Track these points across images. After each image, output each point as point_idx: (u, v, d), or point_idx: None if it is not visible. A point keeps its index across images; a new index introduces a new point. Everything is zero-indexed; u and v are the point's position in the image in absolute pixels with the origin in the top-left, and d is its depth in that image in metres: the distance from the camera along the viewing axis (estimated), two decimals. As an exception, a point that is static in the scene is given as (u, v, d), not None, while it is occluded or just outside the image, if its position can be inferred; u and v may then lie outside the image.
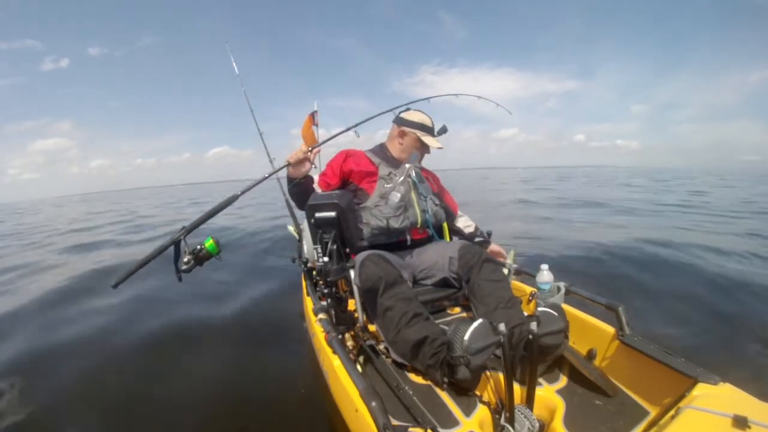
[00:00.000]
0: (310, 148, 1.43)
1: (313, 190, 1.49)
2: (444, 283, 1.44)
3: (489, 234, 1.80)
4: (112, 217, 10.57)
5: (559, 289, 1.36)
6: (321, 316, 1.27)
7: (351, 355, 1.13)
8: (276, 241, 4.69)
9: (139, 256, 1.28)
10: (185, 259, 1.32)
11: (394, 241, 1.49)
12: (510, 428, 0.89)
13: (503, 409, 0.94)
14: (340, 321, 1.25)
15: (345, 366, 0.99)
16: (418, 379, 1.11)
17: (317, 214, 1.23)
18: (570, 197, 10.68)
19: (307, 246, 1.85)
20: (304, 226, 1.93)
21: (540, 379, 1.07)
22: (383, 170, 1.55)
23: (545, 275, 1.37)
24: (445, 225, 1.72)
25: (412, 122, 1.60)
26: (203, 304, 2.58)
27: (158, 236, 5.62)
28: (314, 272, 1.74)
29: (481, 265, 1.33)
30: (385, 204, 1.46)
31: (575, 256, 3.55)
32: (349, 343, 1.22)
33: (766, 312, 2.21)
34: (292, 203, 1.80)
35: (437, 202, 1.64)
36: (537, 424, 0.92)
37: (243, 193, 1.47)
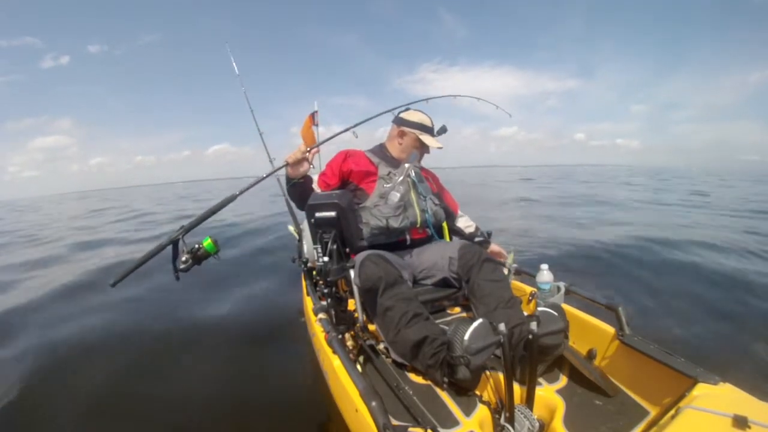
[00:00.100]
0: (308, 149, 1.43)
1: (312, 190, 1.49)
2: (444, 283, 1.44)
3: (489, 234, 1.80)
4: (115, 215, 10.57)
5: (559, 289, 1.36)
6: (321, 316, 1.27)
7: (351, 355, 1.13)
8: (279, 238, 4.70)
9: (139, 254, 1.28)
10: (183, 258, 1.32)
11: (394, 241, 1.49)
12: (510, 428, 0.89)
13: (503, 409, 0.94)
14: (340, 321, 1.25)
15: (345, 366, 0.99)
16: (418, 379, 1.11)
17: (317, 214, 1.23)
18: (571, 195, 10.72)
19: (307, 246, 1.85)
20: (304, 225, 1.93)
21: (540, 379, 1.07)
22: (383, 170, 1.55)
23: (545, 275, 1.37)
24: (444, 225, 1.72)
25: (411, 122, 1.60)
26: (203, 303, 2.58)
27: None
28: (314, 272, 1.74)
29: (481, 264, 1.33)
30: (384, 204, 1.46)
31: (577, 254, 3.59)
32: (349, 343, 1.21)
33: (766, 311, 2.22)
34: (292, 203, 1.80)
35: (437, 201, 1.64)
36: (537, 424, 0.92)
37: (242, 192, 1.47)
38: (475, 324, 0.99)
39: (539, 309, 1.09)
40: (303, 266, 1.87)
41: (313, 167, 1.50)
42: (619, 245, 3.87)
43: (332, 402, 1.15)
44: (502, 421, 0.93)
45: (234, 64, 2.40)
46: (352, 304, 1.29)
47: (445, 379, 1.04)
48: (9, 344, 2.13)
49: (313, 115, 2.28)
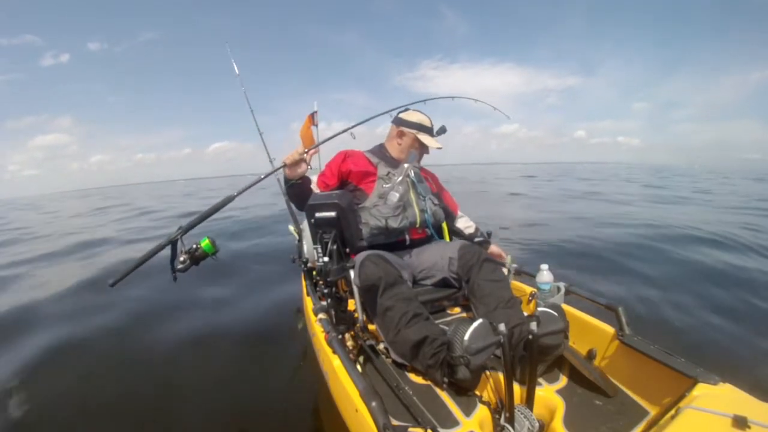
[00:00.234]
0: (306, 150, 1.43)
1: (310, 191, 1.50)
2: (444, 283, 1.44)
3: (489, 234, 1.80)
4: (119, 213, 10.57)
5: (559, 289, 1.36)
6: (321, 316, 1.27)
7: (351, 355, 1.13)
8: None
9: (139, 253, 1.28)
10: (181, 259, 1.33)
11: (393, 241, 1.49)
12: (510, 428, 0.89)
13: (503, 409, 0.94)
14: (340, 321, 1.25)
15: (345, 366, 0.99)
16: (418, 379, 1.10)
17: (317, 214, 1.23)
18: (574, 191, 10.74)
19: (307, 246, 1.85)
20: (304, 226, 1.93)
21: (540, 379, 1.07)
22: (382, 170, 1.55)
23: (545, 275, 1.37)
24: (444, 225, 1.72)
25: (410, 122, 1.61)
26: (202, 302, 2.59)
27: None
28: (314, 272, 1.74)
29: (481, 265, 1.33)
30: (383, 204, 1.46)
31: (581, 250, 3.62)
32: (349, 343, 1.21)
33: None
34: (292, 204, 1.80)
35: (436, 201, 1.64)
36: (537, 424, 0.92)
37: (239, 194, 1.47)
38: (475, 324, 0.99)
39: (539, 309, 1.09)
40: (303, 266, 1.87)
41: (311, 168, 1.50)
42: (622, 242, 3.90)
43: (332, 402, 1.15)
44: (502, 421, 0.93)
45: (234, 64, 2.41)
46: (352, 304, 1.29)
47: (445, 379, 1.04)
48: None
49: (312, 116, 2.28)
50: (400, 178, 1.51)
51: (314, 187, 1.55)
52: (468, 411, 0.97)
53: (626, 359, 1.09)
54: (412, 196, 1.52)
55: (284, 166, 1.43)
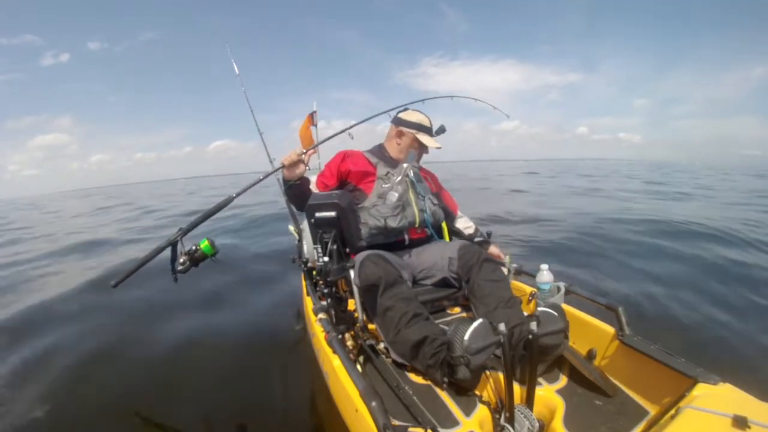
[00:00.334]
0: (304, 151, 1.43)
1: (309, 191, 1.50)
2: (444, 283, 1.44)
3: (489, 234, 1.80)
4: (122, 212, 10.56)
5: (559, 289, 1.36)
6: (321, 316, 1.27)
7: (351, 355, 1.13)
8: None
9: (143, 253, 1.29)
10: (181, 260, 1.33)
11: (393, 241, 1.49)
12: (510, 428, 0.89)
13: (503, 409, 0.94)
14: (340, 321, 1.25)
15: (345, 366, 0.99)
16: (418, 379, 1.11)
17: (317, 214, 1.23)
18: (577, 188, 10.75)
19: (307, 246, 1.85)
20: (304, 225, 1.93)
21: (540, 379, 1.07)
22: (381, 170, 1.55)
23: (545, 275, 1.37)
24: (444, 225, 1.72)
25: (409, 122, 1.61)
26: (202, 302, 2.58)
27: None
28: (314, 272, 1.74)
29: (481, 264, 1.33)
30: (382, 204, 1.46)
31: (584, 248, 3.64)
32: (349, 343, 1.21)
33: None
34: (292, 205, 1.80)
35: (435, 201, 1.64)
36: (537, 424, 0.92)
37: (238, 195, 1.48)
38: (475, 324, 0.99)
39: (539, 309, 1.09)
40: (303, 266, 1.87)
41: (309, 169, 1.50)
42: (624, 239, 3.93)
43: (332, 402, 1.15)
44: (502, 421, 0.93)
45: (234, 64, 2.41)
46: (352, 304, 1.29)
47: (445, 379, 1.04)
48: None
49: (311, 116, 2.28)
50: (399, 178, 1.51)
51: (313, 187, 1.55)
52: (468, 411, 0.97)
53: (626, 359, 1.09)
54: (411, 195, 1.52)
55: (282, 167, 1.43)
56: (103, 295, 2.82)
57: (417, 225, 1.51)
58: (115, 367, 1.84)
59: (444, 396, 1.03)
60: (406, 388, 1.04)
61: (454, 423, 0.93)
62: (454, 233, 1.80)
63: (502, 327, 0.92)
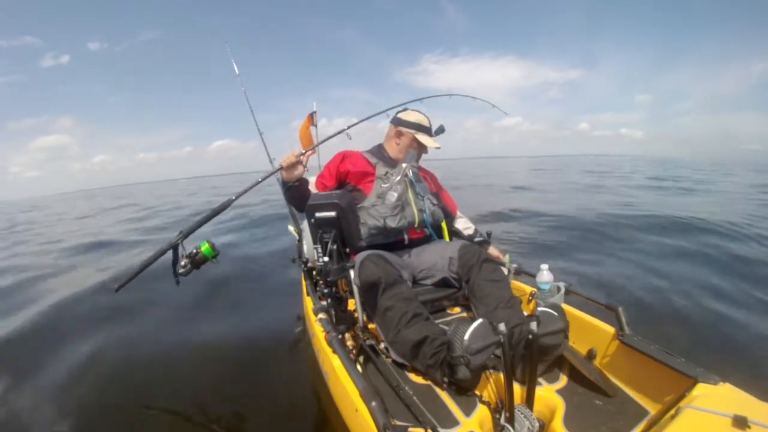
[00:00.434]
0: (302, 152, 1.44)
1: (309, 192, 1.50)
2: (444, 283, 1.44)
3: (489, 235, 1.80)
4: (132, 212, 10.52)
5: (558, 289, 1.36)
6: (321, 316, 1.27)
7: (351, 355, 1.13)
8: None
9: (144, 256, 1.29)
10: (182, 263, 1.33)
11: (392, 241, 1.49)
12: (510, 428, 0.89)
13: (503, 409, 0.94)
14: (340, 321, 1.25)
15: (345, 366, 0.99)
16: (418, 379, 1.11)
17: (317, 214, 1.23)
18: (580, 184, 10.78)
19: (307, 246, 1.85)
20: (304, 225, 1.93)
21: (540, 379, 1.07)
22: (380, 170, 1.55)
23: (545, 275, 1.37)
24: (444, 225, 1.72)
25: (408, 122, 1.61)
26: (201, 301, 2.58)
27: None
28: (314, 272, 1.74)
29: (481, 265, 1.33)
30: (382, 204, 1.46)
31: (586, 246, 3.64)
32: (349, 343, 1.21)
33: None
34: (291, 206, 1.80)
35: (435, 201, 1.64)
36: (537, 424, 0.92)
37: (237, 197, 1.48)
38: (475, 324, 0.99)
39: (539, 309, 1.09)
40: (303, 266, 1.87)
41: (308, 170, 1.50)
42: (627, 235, 3.96)
43: (332, 402, 1.15)
44: (502, 421, 0.93)
45: (234, 64, 2.41)
46: (352, 304, 1.29)
47: (445, 379, 1.04)
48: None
49: (311, 116, 2.28)
50: (398, 178, 1.51)
51: (312, 188, 1.55)
52: (468, 411, 0.97)
53: (626, 359, 1.09)
54: (411, 195, 1.52)
55: (281, 168, 1.43)
56: (109, 298, 2.80)
57: (416, 225, 1.51)
58: (115, 367, 1.84)
59: (444, 396, 1.03)
60: (406, 388, 1.04)
61: (454, 423, 0.93)
62: (454, 233, 1.80)
63: (502, 327, 0.92)
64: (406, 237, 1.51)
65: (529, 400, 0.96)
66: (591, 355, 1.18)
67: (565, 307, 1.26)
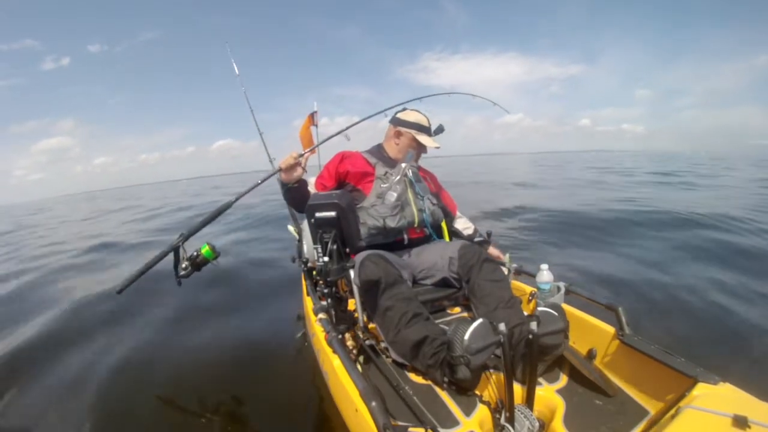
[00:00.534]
0: (301, 154, 1.44)
1: (308, 193, 1.50)
2: (444, 283, 1.44)
3: (489, 234, 1.80)
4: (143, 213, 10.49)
5: (559, 289, 1.35)
6: (321, 315, 1.27)
7: (351, 355, 1.13)
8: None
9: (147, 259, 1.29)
10: (183, 265, 1.34)
11: (392, 241, 1.49)
12: (510, 428, 0.89)
13: (503, 409, 0.94)
14: (340, 321, 1.25)
15: (345, 366, 0.99)
16: (418, 379, 1.11)
17: (317, 214, 1.23)
18: (582, 179, 10.81)
19: (307, 246, 1.85)
20: (304, 225, 1.93)
21: (540, 379, 1.07)
22: (380, 170, 1.55)
23: (545, 275, 1.37)
24: (443, 225, 1.72)
25: (408, 122, 1.61)
26: (202, 302, 2.58)
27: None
28: (314, 272, 1.74)
29: (481, 265, 1.33)
30: (381, 204, 1.46)
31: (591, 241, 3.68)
32: (349, 343, 1.22)
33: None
34: (291, 207, 1.80)
35: (434, 201, 1.64)
36: (537, 424, 0.92)
37: (237, 199, 1.48)
38: (475, 324, 0.99)
39: (539, 309, 1.10)
40: (303, 266, 1.87)
41: (306, 172, 1.50)
42: (630, 231, 3.98)
43: (332, 402, 1.15)
44: (502, 420, 0.93)
45: (234, 64, 2.41)
46: (352, 304, 1.29)
47: (446, 379, 1.04)
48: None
49: (312, 116, 2.28)
50: (398, 178, 1.51)
51: (312, 188, 1.55)
52: (468, 411, 0.97)
53: (626, 359, 1.09)
54: (410, 195, 1.52)
55: (280, 170, 1.43)
56: (114, 301, 2.79)
57: (416, 225, 1.51)
58: (114, 367, 1.84)
59: (444, 396, 1.03)
60: (407, 388, 1.04)
61: (455, 423, 0.93)
62: (453, 233, 1.80)
63: (502, 327, 0.92)
64: (405, 237, 1.51)
65: (529, 400, 0.96)
66: (591, 355, 1.18)
67: (565, 307, 1.26)
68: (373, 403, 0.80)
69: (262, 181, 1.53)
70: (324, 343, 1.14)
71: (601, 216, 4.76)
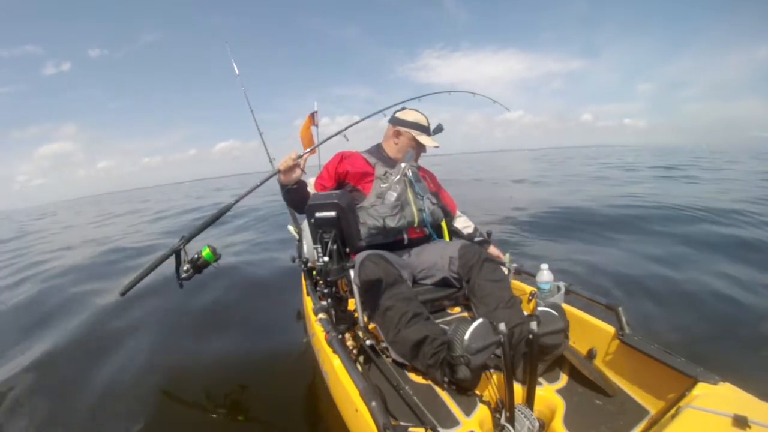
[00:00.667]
0: (300, 155, 1.44)
1: (307, 194, 1.50)
2: (444, 283, 1.44)
3: (489, 234, 1.80)
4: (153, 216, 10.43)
5: (559, 288, 1.35)
6: (321, 315, 1.27)
7: (351, 355, 1.13)
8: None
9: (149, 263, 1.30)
10: (184, 268, 1.34)
11: (392, 241, 1.49)
12: (510, 428, 0.89)
13: (503, 409, 0.94)
14: (340, 321, 1.25)
15: (345, 366, 0.99)
16: (418, 379, 1.11)
17: (317, 214, 1.23)
18: (584, 175, 10.83)
19: (307, 246, 1.85)
20: (304, 225, 1.93)
21: (540, 379, 1.07)
22: (379, 170, 1.55)
23: (545, 275, 1.37)
24: (443, 224, 1.71)
25: (406, 122, 1.61)
26: (202, 302, 2.59)
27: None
28: (314, 272, 1.74)
29: (482, 264, 1.33)
30: (381, 204, 1.46)
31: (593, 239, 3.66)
32: (349, 343, 1.21)
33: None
34: (290, 208, 1.80)
35: (434, 201, 1.64)
36: (537, 424, 0.92)
37: (237, 201, 1.48)
38: (476, 324, 0.99)
39: (539, 309, 1.10)
40: (303, 266, 1.87)
41: (305, 173, 1.50)
42: (634, 226, 3.99)
43: (332, 402, 1.15)
44: (502, 420, 0.93)
45: (234, 64, 2.41)
46: (352, 304, 1.29)
47: (446, 379, 1.04)
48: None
49: (312, 115, 2.28)
50: (398, 178, 1.51)
51: (311, 189, 1.55)
52: (468, 410, 0.97)
53: (626, 359, 1.09)
54: (410, 195, 1.52)
55: (278, 172, 1.43)
56: (119, 303, 2.78)
57: (416, 224, 1.51)
58: (114, 367, 1.84)
59: (444, 396, 1.03)
60: (407, 387, 1.04)
61: (455, 423, 0.94)
62: (453, 232, 1.80)
63: (502, 327, 0.92)
64: (405, 237, 1.51)
65: (529, 400, 0.96)
66: (591, 355, 1.18)
67: (565, 306, 1.26)
68: (373, 403, 0.80)
69: (261, 183, 1.53)
70: (324, 343, 1.14)
71: (604, 212, 4.77)
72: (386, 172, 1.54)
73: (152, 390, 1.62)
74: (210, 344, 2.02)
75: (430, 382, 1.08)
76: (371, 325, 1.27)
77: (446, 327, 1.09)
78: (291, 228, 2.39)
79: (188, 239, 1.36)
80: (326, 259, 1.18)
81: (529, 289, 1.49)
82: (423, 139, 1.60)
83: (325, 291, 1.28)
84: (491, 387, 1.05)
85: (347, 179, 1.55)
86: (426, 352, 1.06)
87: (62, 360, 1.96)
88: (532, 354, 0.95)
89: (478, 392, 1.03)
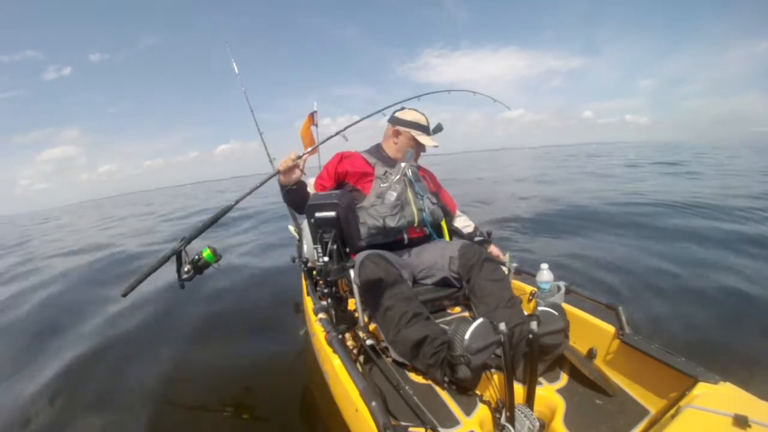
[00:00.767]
0: (299, 156, 1.44)
1: (307, 194, 1.50)
2: (444, 283, 1.44)
3: (489, 234, 1.79)
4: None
5: (559, 288, 1.35)
6: (321, 315, 1.27)
7: (351, 355, 1.13)
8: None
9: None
10: (186, 269, 1.34)
11: (392, 241, 1.49)
12: (510, 428, 0.89)
13: (503, 409, 0.94)
14: (340, 321, 1.25)
15: (345, 366, 0.99)
16: (418, 379, 1.11)
17: (317, 214, 1.23)
18: (585, 172, 10.89)
19: (307, 246, 1.85)
20: (304, 225, 1.93)
21: (540, 379, 1.07)
22: (379, 170, 1.55)
23: (545, 275, 1.36)
24: (443, 224, 1.71)
25: (406, 121, 1.60)
26: (202, 301, 2.59)
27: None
28: (314, 272, 1.74)
29: (482, 264, 1.33)
30: (381, 203, 1.46)
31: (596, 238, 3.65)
32: (349, 343, 1.22)
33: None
34: (290, 208, 1.80)
35: (434, 200, 1.64)
36: (537, 424, 0.92)
37: (237, 202, 1.48)
38: (476, 323, 0.99)
39: (539, 308, 1.09)
40: (303, 266, 1.87)
41: (305, 174, 1.50)
42: (637, 223, 3.99)
43: (332, 402, 1.15)
44: (502, 420, 0.93)
45: (234, 64, 2.41)
46: (352, 304, 1.29)
47: (446, 379, 1.04)
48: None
49: (312, 115, 2.29)
50: (397, 177, 1.51)
51: (311, 189, 1.55)
52: (468, 410, 0.97)
53: (626, 358, 1.09)
54: (410, 195, 1.52)
55: (278, 173, 1.44)
56: (121, 304, 2.79)
57: (416, 224, 1.51)
58: (113, 368, 1.85)
59: (444, 395, 1.03)
60: (407, 387, 1.04)
61: (455, 422, 0.94)
62: (453, 232, 1.79)
63: (502, 326, 0.92)
64: (405, 236, 1.51)
65: (529, 400, 0.96)
66: (591, 355, 1.17)
67: (566, 306, 1.26)
68: (373, 403, 0.80)
69: (261, 184, 1.53)
70: (324, 343, 1.14)
71: (607, 209, 4.77)
72: (386, 172, 1.54)
73: (154, 390, 1.62)
74: (211, 344, 2.03)
75: (430, 382, 1.08)
76: (371, 325, 1.27)
77: (446, 327, 1.09)
78: (291, 228, 2.39)
79: (189, 240, 1.36)
80: (326, 259, 1.18)
81: (529, 288, 1.49)
82: (422, 138, 1.60)
83: (325, 291, 1.28)
84: (491, 387, 1.05)
85: (347, 179, 1.55)
86: (426, 352, 1.06)
87: (64, 360, 1.97)
88: (532, 354, 0.95)
89: (478, 392, 1.03)
